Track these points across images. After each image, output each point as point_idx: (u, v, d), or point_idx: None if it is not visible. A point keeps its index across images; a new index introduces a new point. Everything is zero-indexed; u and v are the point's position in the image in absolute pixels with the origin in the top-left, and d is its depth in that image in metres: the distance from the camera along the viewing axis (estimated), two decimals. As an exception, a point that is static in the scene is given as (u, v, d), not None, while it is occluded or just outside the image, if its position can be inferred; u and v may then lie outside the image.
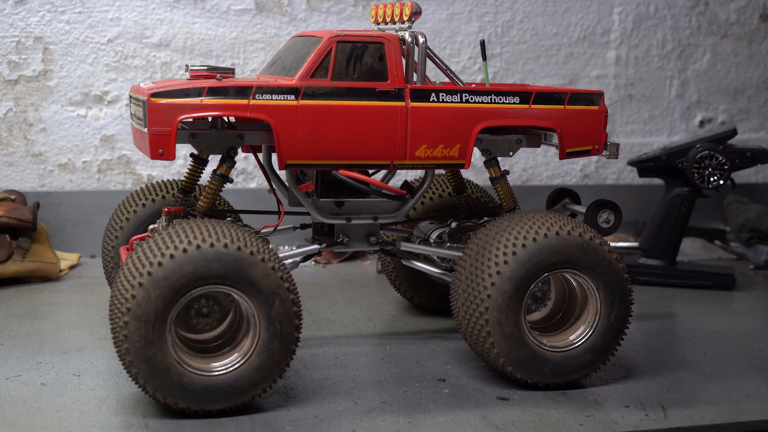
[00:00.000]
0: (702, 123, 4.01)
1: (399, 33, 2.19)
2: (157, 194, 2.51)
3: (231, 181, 2.23)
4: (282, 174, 2.33)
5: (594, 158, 3.90)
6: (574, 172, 3.88)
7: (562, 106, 2.24)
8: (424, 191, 2.34)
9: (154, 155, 2.01)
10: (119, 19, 3.34)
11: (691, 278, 3.16)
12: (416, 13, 2.18)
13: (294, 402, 2.03)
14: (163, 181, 2.56)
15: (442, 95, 2.15)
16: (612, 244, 3.20)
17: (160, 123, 2.00)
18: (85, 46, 3.33)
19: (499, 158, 2.32)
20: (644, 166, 3.19)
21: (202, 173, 2.38)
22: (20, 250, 2.94)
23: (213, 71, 2.14)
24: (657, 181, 3.76)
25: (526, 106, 2.21)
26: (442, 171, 2.68)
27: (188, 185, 2.39)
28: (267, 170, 2.32)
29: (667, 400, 2.11)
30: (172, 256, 1.84)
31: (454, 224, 2.45)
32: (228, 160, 2.18)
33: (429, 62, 2.22)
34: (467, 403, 2.05)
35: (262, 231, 2.34)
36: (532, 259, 2.04)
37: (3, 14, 3.26)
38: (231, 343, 1.98)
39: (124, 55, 3.36)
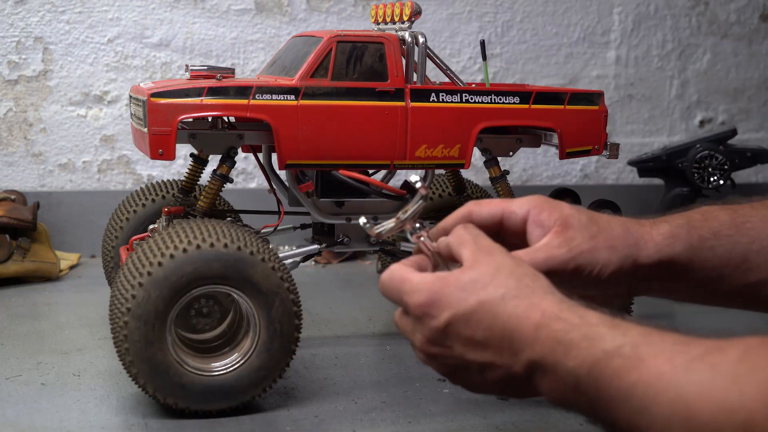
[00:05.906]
0: (702, 123, 4.01)
1: (399, 33, 2.19)
2: (157, 194, 2.50)
3: (231, 181, 2.22)
4: (282, 174, 2.32)
5: (594, 158, 3.90)
6: (574, 172, 3.88)
7: (562, 106, 2.24)
8: (424, 191, 2.34)
9: (154, 155, 2.01)
10: (119, 19, 3.34)
11: (691, 278, 3.15)
12: (416, 13, 2.18)
13: (294, 402, 2.03)
14: (163, 181, 2.56)
15: (442, 95, 2.15)
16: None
17: (160, 123, 2.00)
18: (85, 46, 3.33)
19: (499, 158, 2.32)
20: (644, 166, 3.19)
21: (202, 173, 2.38)
22: (20, 250, 2.94)
23: (213, 71, 2.14)
24: (657, 181, 3.76)
25: (526, 106, 2.21)
26: (442, 171, 2.68)
27: (188, 185, 2.38)
28: (267, 170, 2.32)
29: (667, 400, 2.11)
30: (172, 256, 1.84)
31: (454, 224, 2.44)
32: (228, 160, 2.18)
33: (429, 62, 2.22)
34: (467, 403, 2.05)
35: (262, 231, 2.34)
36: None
37: (3, 14, 3.26)
38: (231, 343, 1.98)
39: (124, 55, 3.36)
